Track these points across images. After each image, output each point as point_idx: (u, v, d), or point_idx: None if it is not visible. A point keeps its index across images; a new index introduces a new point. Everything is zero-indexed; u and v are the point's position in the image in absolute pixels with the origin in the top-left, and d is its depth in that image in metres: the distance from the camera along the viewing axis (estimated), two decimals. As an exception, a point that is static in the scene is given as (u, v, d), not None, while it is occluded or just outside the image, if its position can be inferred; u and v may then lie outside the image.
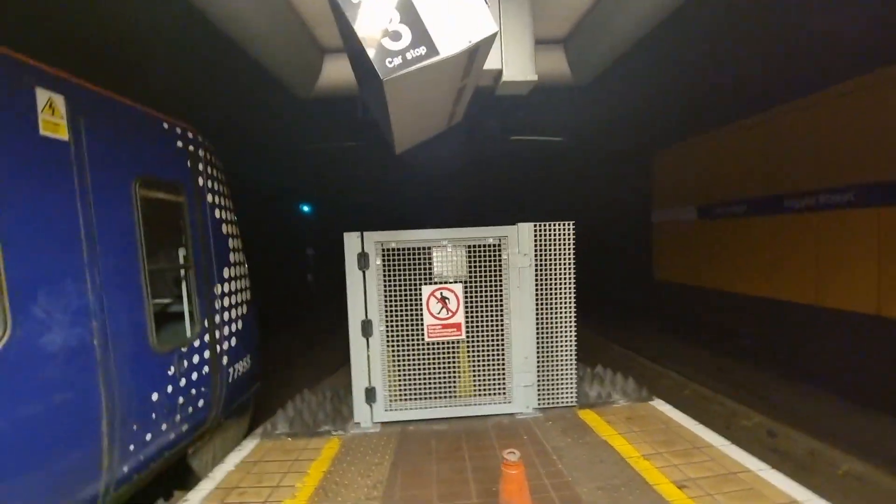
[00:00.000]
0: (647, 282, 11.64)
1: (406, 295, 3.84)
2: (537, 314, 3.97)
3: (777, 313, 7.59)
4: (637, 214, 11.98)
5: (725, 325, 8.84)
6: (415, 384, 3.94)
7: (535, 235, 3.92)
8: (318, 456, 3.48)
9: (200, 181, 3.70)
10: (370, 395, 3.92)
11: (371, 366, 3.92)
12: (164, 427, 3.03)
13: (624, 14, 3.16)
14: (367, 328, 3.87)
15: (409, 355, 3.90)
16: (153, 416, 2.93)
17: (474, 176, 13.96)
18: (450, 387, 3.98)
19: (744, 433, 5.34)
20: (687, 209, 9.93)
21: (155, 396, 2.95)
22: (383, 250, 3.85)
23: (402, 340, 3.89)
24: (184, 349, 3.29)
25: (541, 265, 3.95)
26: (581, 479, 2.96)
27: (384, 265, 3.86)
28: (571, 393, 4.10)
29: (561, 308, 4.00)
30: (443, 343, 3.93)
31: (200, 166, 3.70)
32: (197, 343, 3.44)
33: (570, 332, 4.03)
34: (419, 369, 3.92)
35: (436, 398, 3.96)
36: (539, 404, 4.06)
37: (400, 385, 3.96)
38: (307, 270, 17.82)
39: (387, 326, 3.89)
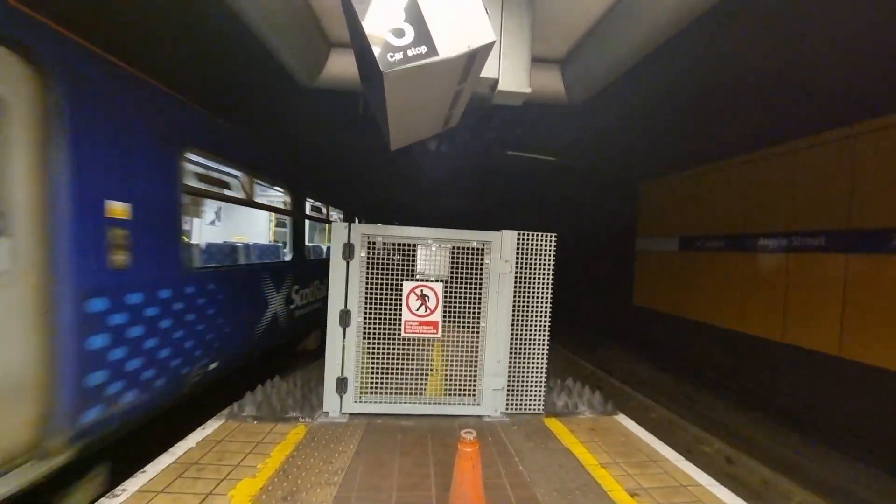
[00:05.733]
0: (627, 307, 11.87)
1: (387, 289, 3.91)
2: (513, 320, 4.07)
3: (746, 347, 7.83)
4: (620, 240, 12.27)
5: (697, 354, 9.07)
6: (387, 378, 3.98)
7: (518, 244, 4.05)
8: (283, 440, 3.48)
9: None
10: (341, 385, 3.94)
11: (345, 356, 3.95)
12: None
13: (619, 41, 3.36)
14: (345, 318, 3.92)
15: (384, 349, 3.95)
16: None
17: (467, 189, 14.16)
18: (421, 384, 4.03)
19: (704, 458, 5.47)
20: (669, 240, 10.24)
21: None
22: (369, 243, 3.93)
23: (379, 334, 3.94)
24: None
25: (521, 273, 4.07)
26: (539, 480, 3.03)
27: (368, 258, 3.93)
28: (539, 400, 4.18)
29: (536, 316, 4.11)
30: (418, 340, 3.99)
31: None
32: None
33: (543, 340, 4.13)
34: (393, 364, 3.96)
35: (406, 394, 4.01)
36: (507, 409, 4.13)
37: (372, 378, 3.99)
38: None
39: (365, 318, 3.94)
